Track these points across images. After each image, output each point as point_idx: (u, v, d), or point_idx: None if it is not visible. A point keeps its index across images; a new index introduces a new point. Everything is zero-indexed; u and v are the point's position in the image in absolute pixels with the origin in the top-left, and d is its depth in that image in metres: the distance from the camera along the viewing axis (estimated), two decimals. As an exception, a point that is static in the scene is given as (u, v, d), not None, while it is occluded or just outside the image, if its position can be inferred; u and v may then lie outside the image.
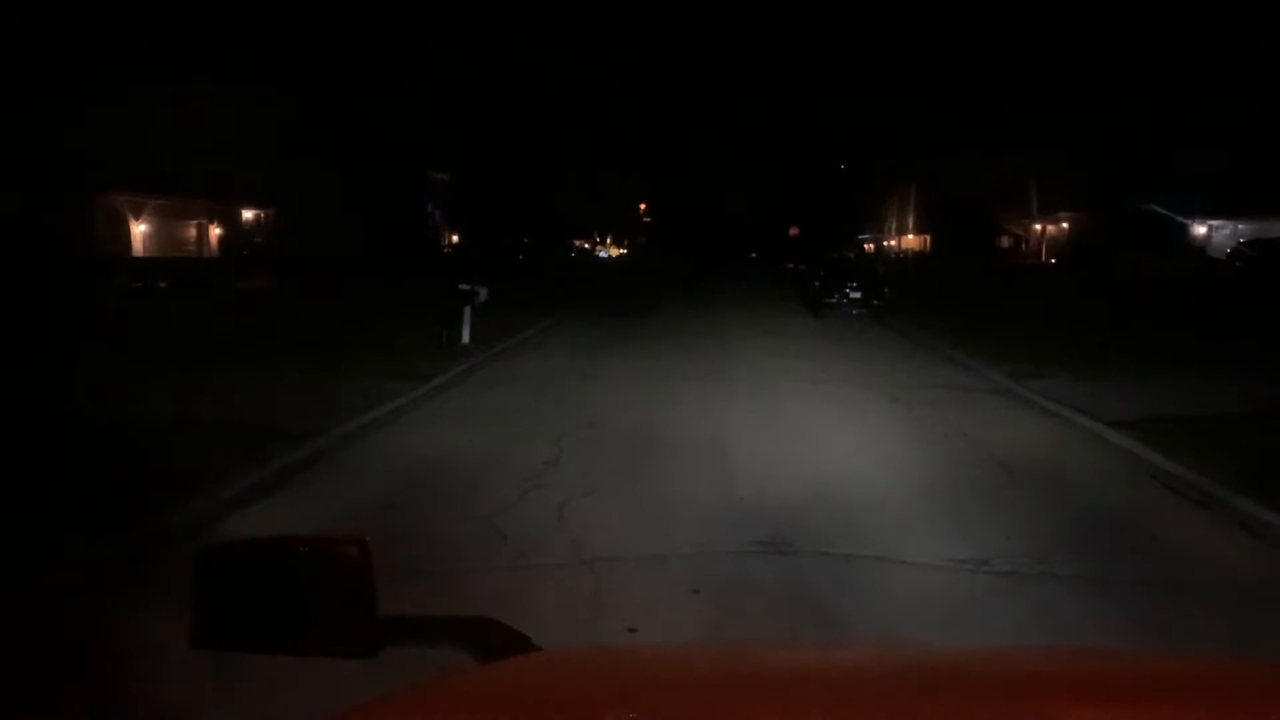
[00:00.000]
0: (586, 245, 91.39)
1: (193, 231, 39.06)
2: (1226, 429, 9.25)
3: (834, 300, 24.31)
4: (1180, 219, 39.79)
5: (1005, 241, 56.89)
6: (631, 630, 4.81)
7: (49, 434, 8.18)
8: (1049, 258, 48.80)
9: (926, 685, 1.23)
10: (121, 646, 4.44)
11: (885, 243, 78.93)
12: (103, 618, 4.86)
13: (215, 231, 40.04)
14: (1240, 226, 38.00)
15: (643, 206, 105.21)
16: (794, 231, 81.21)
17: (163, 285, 26.64)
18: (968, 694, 1.18)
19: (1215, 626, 4.99)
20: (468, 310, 16.16)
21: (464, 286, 16.31)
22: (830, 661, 1.51)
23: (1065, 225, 48.81)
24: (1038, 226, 51.70)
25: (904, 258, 65.02)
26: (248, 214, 42.76)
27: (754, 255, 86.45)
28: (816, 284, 25.85)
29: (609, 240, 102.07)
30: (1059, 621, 5.05)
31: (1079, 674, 1.36)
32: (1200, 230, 40.21)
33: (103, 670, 4.33)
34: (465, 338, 16.01)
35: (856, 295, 24.18)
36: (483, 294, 16.59)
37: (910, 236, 73.73)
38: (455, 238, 61.14)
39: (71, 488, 6.63)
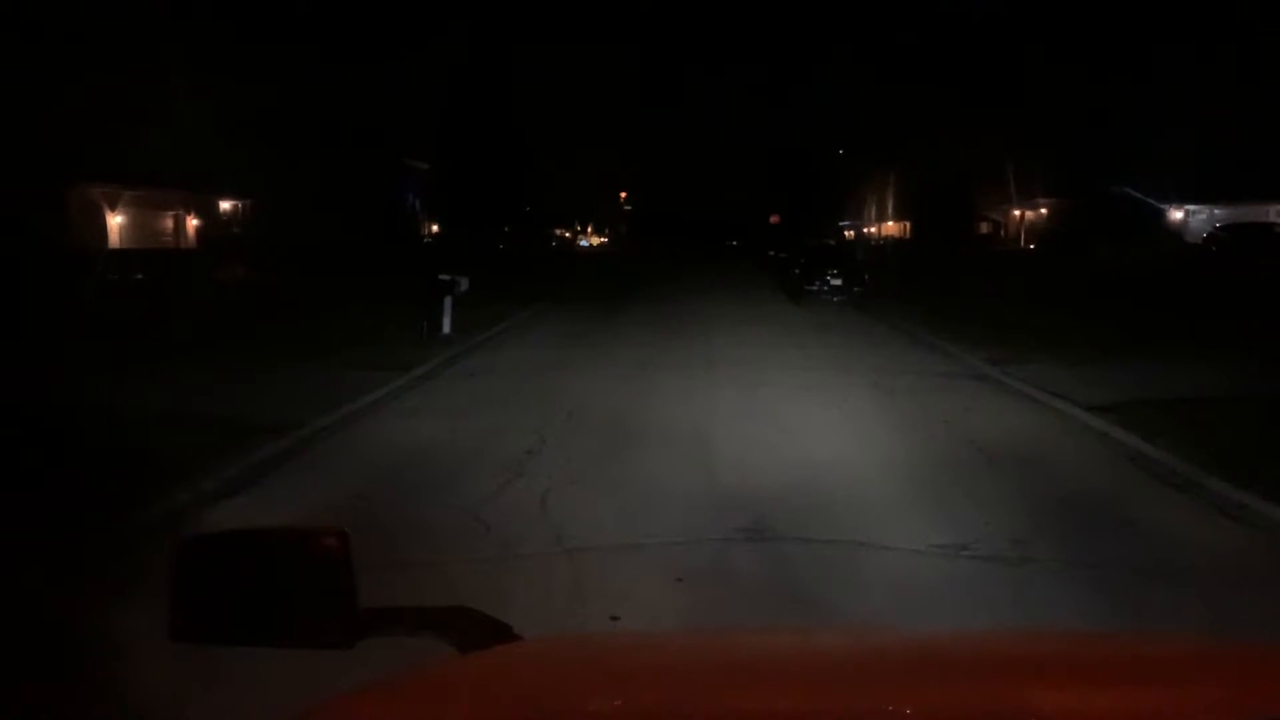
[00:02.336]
0: (567, 234, 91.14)
1: (170, 223, 38.69)
2: (1204, 412, 9.32)
3: (814, 287, 24.35)
4: (1157, 204, 40.05)
5: (985, 228, 57.16)
6: (614, 618, 4.81)
7: (25, 428, 8.09)
8: (1028, 243, 49.03)
9: (904, 669, 1.24)
10: (100, 638, 4.41)
11: (865, 229, 79.16)
12: (82, 610, 4.82)
13: (193, 222, 39.68)
14: (1217, 211, 38.31)
15: (623, 195, 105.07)
16: (774, 219, 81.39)
17: (140, 277, 26.36)
18: (945, 677, 1.19)
19: (1194, 608, 5.04)
20: (448, 300, 16.10)
21: (444, 276, 16.26)
22: (809, 647, 1.52)
23: (1044, 211, 49.07)
24: (1016, 212, 51.96)
25: (884, 244, 65.22)
26: (225, 205, 42.38)
27: (735, 243, 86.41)
28: (796, 271, 25.90)
29: (589, 229, 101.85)
30: (1039, 605, 5.10)
31: (1056, 656, 1.37)
32: (1177, 215, 40.50)
33: (82, 661, 4.30)
34: (446, 328, 15.96)
35: (836, 282, 24.22)
36: (463, 284, 16.54)
37: (890, 223, 73.97)
38: (435, 227, 60.86)
39: (50, 482, 6.57)
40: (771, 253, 41.84)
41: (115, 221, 34.37)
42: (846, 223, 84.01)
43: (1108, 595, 5.24)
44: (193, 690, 3.91)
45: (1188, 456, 7.80)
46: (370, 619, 1.41)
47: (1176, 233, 39.30)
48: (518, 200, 66.02)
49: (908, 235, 67.38)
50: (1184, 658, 1.37)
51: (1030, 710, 1.05)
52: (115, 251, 31.94)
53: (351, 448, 8.75)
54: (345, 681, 1.23)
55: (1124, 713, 1.09)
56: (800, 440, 8.93)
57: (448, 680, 1.27)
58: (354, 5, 45.88)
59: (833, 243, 40.52)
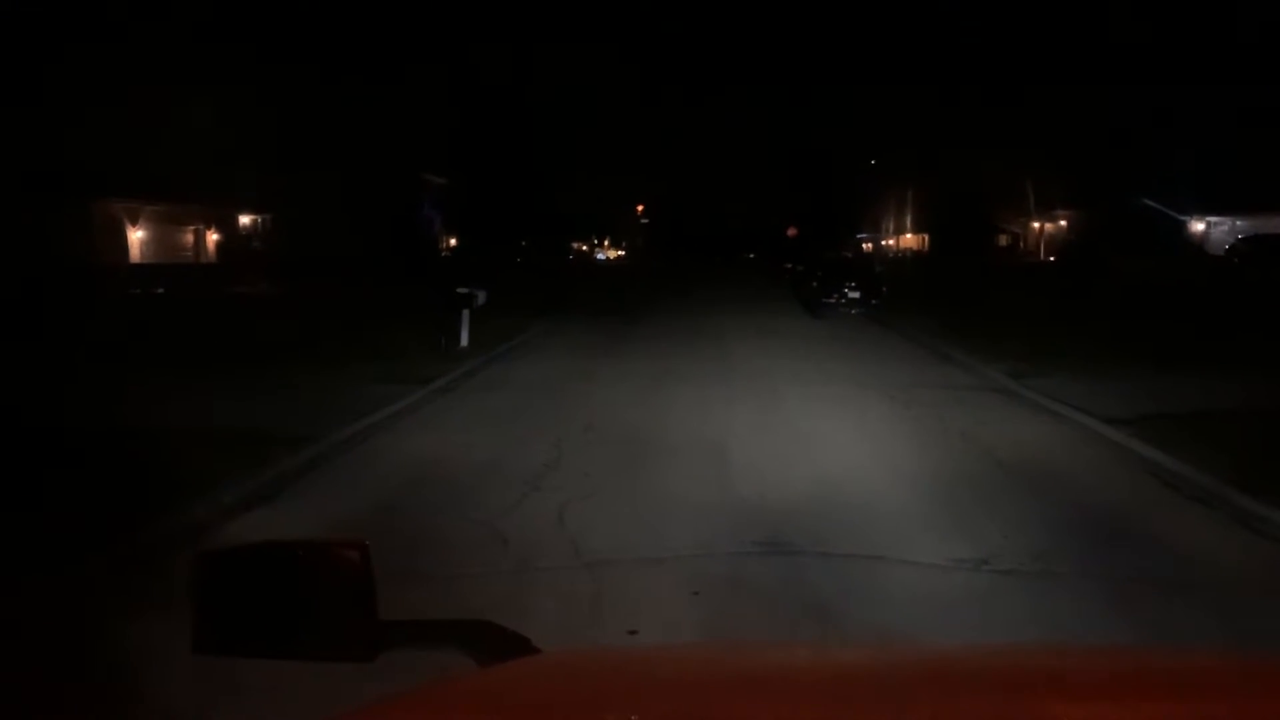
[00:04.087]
0: (584, 247, 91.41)
1: (189, 237, 39.06)
2: (1225, 425, 9.24)
3: (832, 300, 24.29)
4: (1178, 215, 39.82)
5: (1003, 240, 56.97)
6: (632, 632, 4.81)
7: (48, 440, 8.17)
8: (1047, 256, 48.83)
9: (922, 683, 1.24)
10: (122, 648, 4.44)
11: (883, 242, 78.98)
12: (103, 622, 4.85)
13: (212, 237, 40.05)
14: (1238, 223, 38.05)
15: (640, 208, 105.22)
16: (792, 232, 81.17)
17: (160, 291, 26.67)
18: (962, 691, 1.19)
19: (1215, 622, 4.99)
20: (466, 313, 16.16)
21: (462, 290, 16.32)
22: (826, 660, 1.52)
23: (1063, 223, 48.87)
24: (1035, 225, 51.75)
25: (902, 257, 65.08)
26: (245, 219, 42.75)
27: (752, 256, 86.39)
28: (814, 284, 25.84)
29: (606, 242, 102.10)
30: (1058, 619, 5.06)
31: (1075, 671, 1.36)
32: (1198, 226, 40.25)
33: (104, 671, 4.32)
34: (464, 341, 16.01)
35: (854, 295, 24.16)
36: (481, 297, 16.60)
37: (908, 236, 73.79)
38: (453, 241, 61.15)
39: (72, 493, 6.62)
40: (789, 265, 41.78)
41: (136, 236, 34.72)
42: (864, 235, 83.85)
43: (1129, 609, 5.20)
44: (214, 703, 3.93)
45: (1209, 470, 7.73)
46: (390, 631, 1.41)
47: (1198, 244, 39.04)
48: (535, 214, 66.26)
49: (926, 248, 67.19)
50: (1203, 672, 1.36)
51: None
52: (136, 266, 32.30)
53: (370, 461, 8.78)
54: (365, 694, 1.23)
55: None
56: (817, 453, 8.90)
57: (467, 693, 1.27)
58: (373, 20, 46.24)
59: (850, 255, 40.41)
